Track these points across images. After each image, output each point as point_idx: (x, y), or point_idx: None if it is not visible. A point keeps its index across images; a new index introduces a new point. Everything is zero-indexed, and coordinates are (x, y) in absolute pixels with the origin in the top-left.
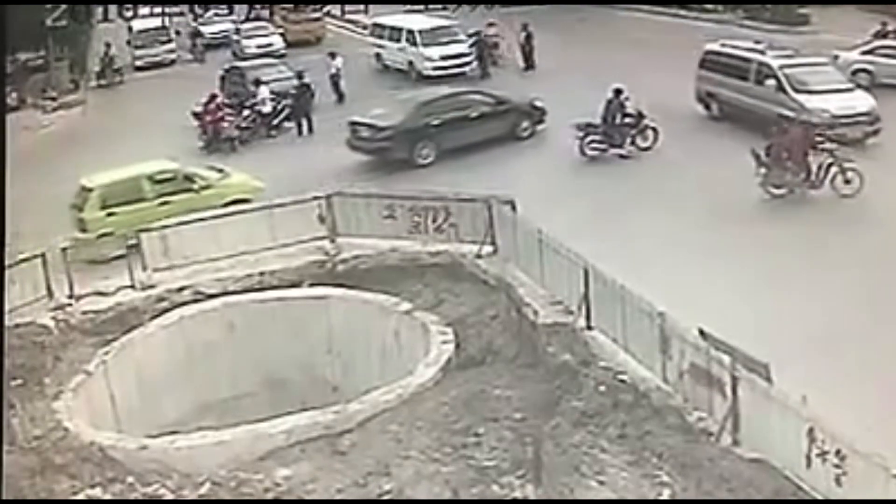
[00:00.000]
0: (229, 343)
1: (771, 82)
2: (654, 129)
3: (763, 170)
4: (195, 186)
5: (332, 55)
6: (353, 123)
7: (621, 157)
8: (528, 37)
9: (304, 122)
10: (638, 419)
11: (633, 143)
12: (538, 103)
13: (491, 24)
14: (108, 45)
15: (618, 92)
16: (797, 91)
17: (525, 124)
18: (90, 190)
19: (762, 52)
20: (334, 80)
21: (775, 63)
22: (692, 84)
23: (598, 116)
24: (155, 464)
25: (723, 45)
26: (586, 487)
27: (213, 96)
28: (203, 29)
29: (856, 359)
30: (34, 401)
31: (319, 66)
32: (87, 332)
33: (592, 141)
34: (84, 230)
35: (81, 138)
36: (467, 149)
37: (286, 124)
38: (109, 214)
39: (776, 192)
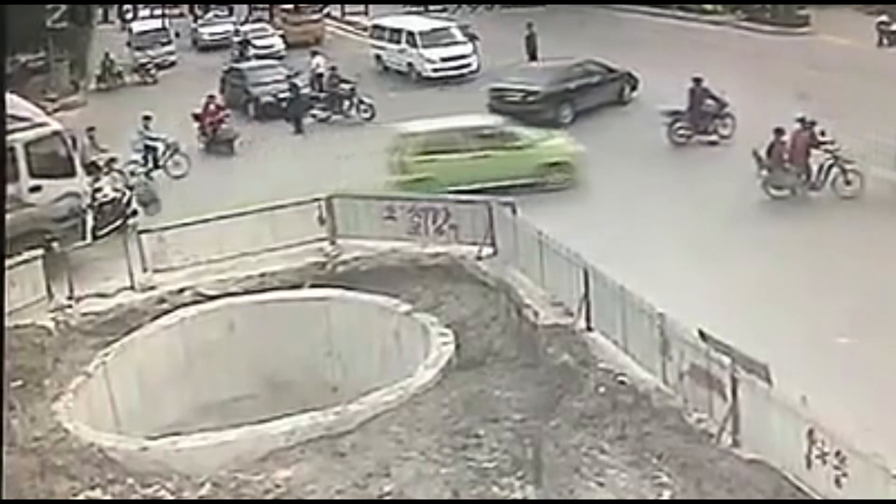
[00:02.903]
0: (229, 344)
1: None
2: (733, 118)
3: (764, 171)
4: (516, 144)
5: (314, 54)
6: (497, 89)
7: (711, 143)
8: (532, 36)
9: (294, 123)
10: (638, 420)
11: (714, 131)
12: (634, 73)
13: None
14: (107, 55)
15: (697, 81)
16: None
17: (627, 90)
18: (411, 135)
19: None
20: (320, 78)
21: None
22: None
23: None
24: (155, 465)
25: None
26: (586, 488)
27: (212, 97)
28: (203, 30)
29: (856, 359)
30: (34, 402)
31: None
32: (88, 333)
33: (680, 128)
34: (402, 172)
35: (80, 139)
36: None
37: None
38: (427, 161)
39: (777, 193)
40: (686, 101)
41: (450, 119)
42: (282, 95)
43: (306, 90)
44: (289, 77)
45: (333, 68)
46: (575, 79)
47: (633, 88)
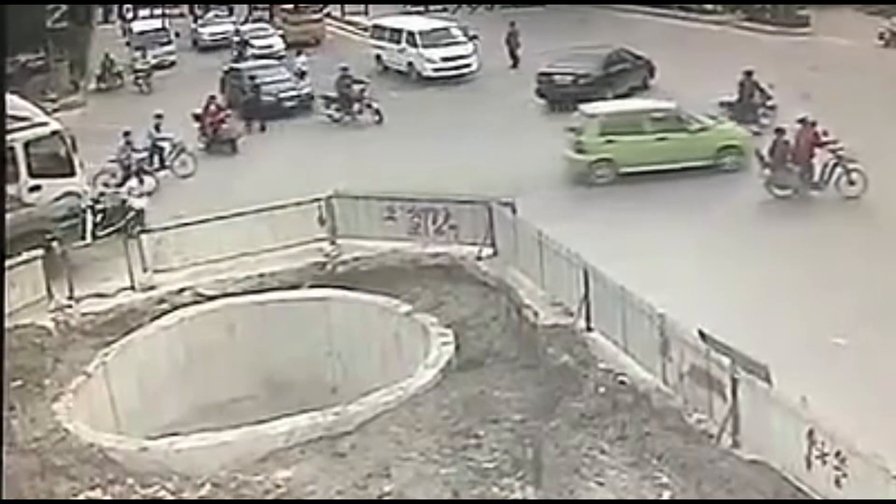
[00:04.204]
0: (229, 345)
1: None
2: (774, 109)
3: (767, 171)
4: (692, 128)
5: (298, 53)
6: (546, 74)
7: (754, 133)
8: (514, 34)
9: (257, 122)
10: (638, 420)
11: (756, 121)
12: (654, 62)
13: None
14: (107, 55)
15: (749, 73)
16: None
17: (648, 76)
18: (593, 116)
19: None
20: (301, 76)
21: None
22: (699, 83)
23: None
24: (155, 465)
25: None
26: (586, 489)
27: (212, 98)
28: (203, 30)
29: (856, 359)
30: (34, 402)
31: (315, 67)
32: (87, 333)
33: (732, 119)
34: (581, 152)
35: (81, 139)
36: None
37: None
38: (608, 142)
39: (780, 192)
40: (736, 93)
41: (628, 101)
42: (282, 95)
43: (272, 96)
44: (252, 79)
45: (345, 69)
46: (615, 64)
47: (652, 75)
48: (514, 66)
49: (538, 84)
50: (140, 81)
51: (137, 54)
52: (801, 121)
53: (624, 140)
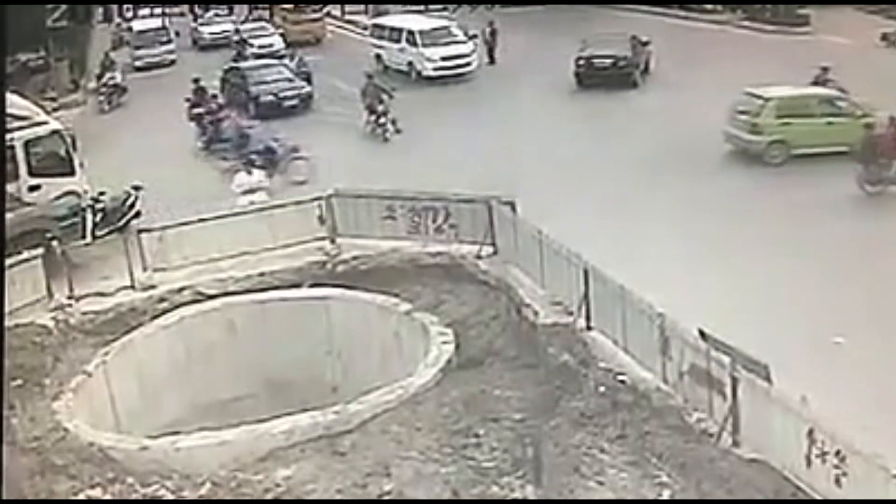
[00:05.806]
0: (229, 343)
1: None
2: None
3: (860, 166)
4: (853, 112)
5: (292, 57)
6: (585, 58)
7: None
8: (493, 33)
9: None
10: (638, 420)
11: None
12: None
13: None
14: (107, 54)
15: (825, 69)
16: None
17: (648, 61)
18: (768, 100)
19: None
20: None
21: None
22: (702, 79)
23: None
24: (155, 464)
25: None
26: (586, 488)
27: (214, 97)
28: (203, 29)
29: (858, 358)
30: (34, 401)
31: (317, 67)
32: (88, 332)
33: None
34: (756, 133)
35: (81, 138)
36: None
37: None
38: (783, 124)
39: (871, 189)
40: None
41: (796, 87)
42: (283, 94)
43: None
44: (243, 78)
45: (370, 76)
46: (637, 46)
47: (649, 61)
48: (491, 62)
49: (576, 68)
50: (102, 98)
51: (140, 52)
52: (890, 118)
53: (796, 122)
